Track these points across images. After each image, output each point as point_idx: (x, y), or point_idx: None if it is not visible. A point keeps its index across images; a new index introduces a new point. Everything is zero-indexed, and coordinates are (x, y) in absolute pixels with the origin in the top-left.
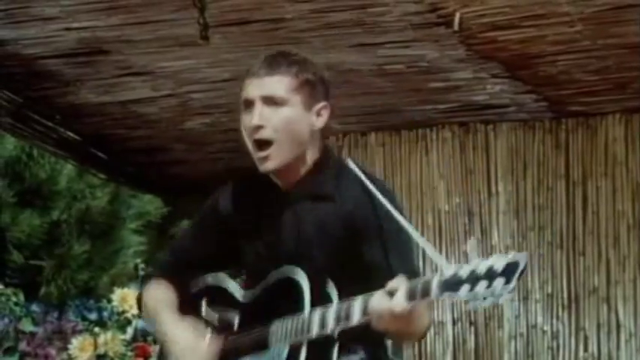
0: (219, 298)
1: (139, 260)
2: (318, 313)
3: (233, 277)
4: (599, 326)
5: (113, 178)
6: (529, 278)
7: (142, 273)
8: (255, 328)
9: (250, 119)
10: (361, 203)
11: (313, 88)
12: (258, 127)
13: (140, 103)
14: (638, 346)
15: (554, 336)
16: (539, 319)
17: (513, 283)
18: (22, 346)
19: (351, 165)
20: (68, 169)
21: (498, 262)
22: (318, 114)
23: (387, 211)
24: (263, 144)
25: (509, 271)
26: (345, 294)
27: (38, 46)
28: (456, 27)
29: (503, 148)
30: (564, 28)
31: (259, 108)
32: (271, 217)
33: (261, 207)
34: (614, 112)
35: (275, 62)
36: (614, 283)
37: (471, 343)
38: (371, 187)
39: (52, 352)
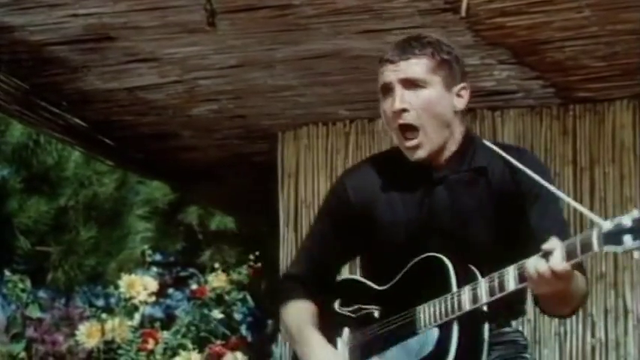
0: (352, 292)
1: (146, 246)
2: (467, 289)
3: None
4: (606, 312)
5: (120, 165)
6: None
7: (149, 259)
8: (399, 315)
9: (391, 104)
10: (511, 174)
11: (451, 68)
12: (402, 111)
13: (147, 89)
14: None
15: (562, 322)
16: None
17: None
18: (30, 332)
19: (489, 144)
20: (75, 155)
21: None
22: (459, 95)
23: (534, 181)
24: (408, 129)
25: None
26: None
27: (45, 32)
28: (463, 13)
29: (510, 134)
30: (572, 14)
31: (400, 91)
32: (422, 194)
33: (409, 186)
34: (621, 98)
35: (408, 45)
36: (622, 269)
37: None
38: (513, 160)
39: (60, 338)
